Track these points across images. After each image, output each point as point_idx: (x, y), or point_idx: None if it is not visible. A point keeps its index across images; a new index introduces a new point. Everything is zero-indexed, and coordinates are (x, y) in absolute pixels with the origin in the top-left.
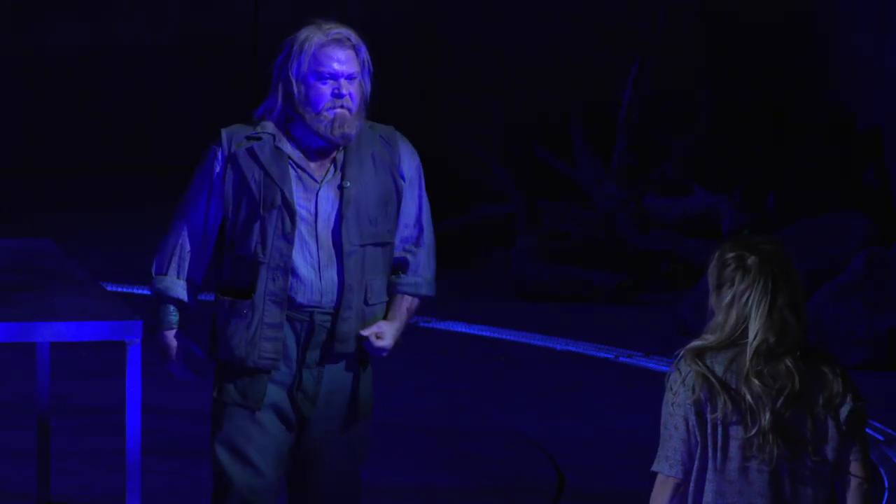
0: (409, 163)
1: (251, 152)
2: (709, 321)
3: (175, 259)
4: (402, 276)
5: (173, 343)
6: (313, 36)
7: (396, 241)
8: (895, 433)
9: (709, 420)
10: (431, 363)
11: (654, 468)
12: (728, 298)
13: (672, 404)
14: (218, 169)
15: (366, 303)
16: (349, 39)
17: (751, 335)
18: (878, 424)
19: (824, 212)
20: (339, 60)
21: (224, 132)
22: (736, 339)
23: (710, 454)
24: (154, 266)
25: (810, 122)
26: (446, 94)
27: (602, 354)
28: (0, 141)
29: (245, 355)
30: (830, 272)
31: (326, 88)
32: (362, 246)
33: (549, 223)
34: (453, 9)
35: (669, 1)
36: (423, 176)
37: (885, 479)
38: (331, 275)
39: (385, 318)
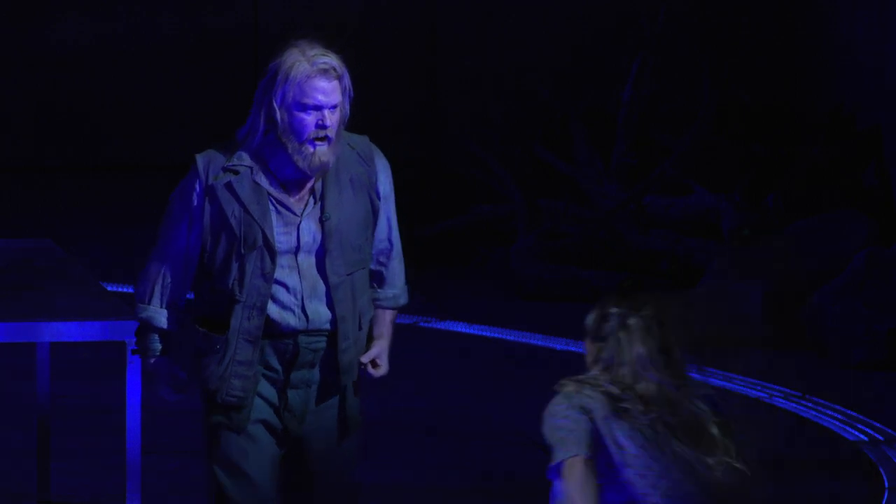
0: (385, 179)
1: (229, 187)
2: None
3: (157, 287)
4: (379, 290)
5: (159, 370)
6: (299, 65)
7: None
8: (895, 433)
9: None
10: (431, 363)
11: (558, 458)
12: (608, 352)
13: (559, 416)
14: (196, 201)
15: (359, 327)
16: (335, 70)
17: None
18: (878, 424)
19: (824, 212)
20: (325, 92)
21: (200, 161)
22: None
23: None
24: (137, 294)
25: (810, 121)
26: (447, 93)
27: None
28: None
29: (215, 389)
30: (830, 272)
31: (310, 119)
32: (349, 274)
33: (549, 223)
34: (454, 8)
35: (670, 0)
36: (393, 187)
37: (886, 479)
38: (316, 305)
39: (372, 335)
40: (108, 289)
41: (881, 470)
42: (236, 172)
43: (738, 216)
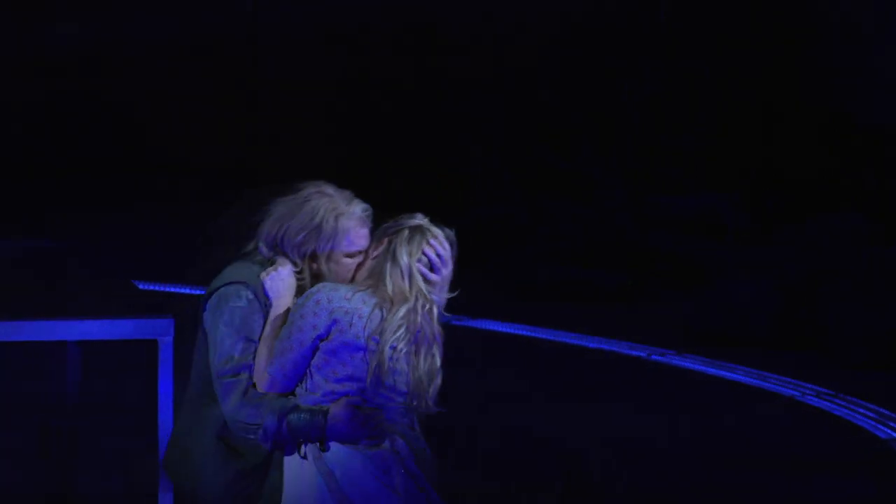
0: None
1: None
2: None
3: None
4: None
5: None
6: (341, 215)
7: None
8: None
9: None
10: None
11: None
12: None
13: None
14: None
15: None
16: (370, 216)
17: None
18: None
19: (825, 212)
20: (366, 237)
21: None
22: None
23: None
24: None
25: (810, 121)
26: (447, 93)
27: (634, 353)
28: (3, 139)
29: None
30: (831, 272)
31: (353, 263)
32: None
33: (550, 223)
34: (454, 7)
35: (671, 1)
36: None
37: None
38: None
39: None
40: (140, 287)
41: None
42: None
43: (739, 216)
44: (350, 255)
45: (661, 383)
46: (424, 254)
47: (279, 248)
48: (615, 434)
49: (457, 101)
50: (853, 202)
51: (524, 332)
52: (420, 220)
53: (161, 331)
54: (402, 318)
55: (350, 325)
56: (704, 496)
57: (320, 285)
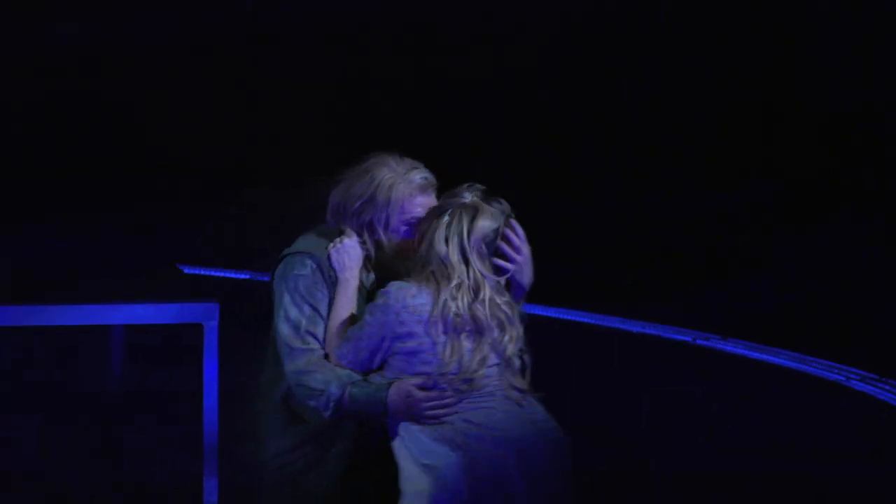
0: None
1: None
2: None
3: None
4: None
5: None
6: (397, 183)
7: None
8: None
9: None
10: None
11: None
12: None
13: None
14: None
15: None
16: (433, 184)
17: None
18: None
19: (826, 212)
20: (423, 206)
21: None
22: None
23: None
24: (322, 405)
25: (810, 120)
26: (447, 93)
27: (679, 337)
28: (3, 139)
29: None
30: (831, 272)
31: (412, 233)
32: None
33: (550, 223)
34: (454, 7)
35: (671, 1)
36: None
37: None
38: None
39: None
40: (185, 271)
41: None
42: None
43: (739, 215)
44: (408, 225)
45: (704, 367)
46: (470, 233)
47: (341, 219)
48: (656, 419)
49: (457, 101)
50: (855, 202)
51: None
52: (469, 195)
53: (206, 315)
54: (442, 304)
55: (418, 323)
56: (747, 482)
57: (391, 285)
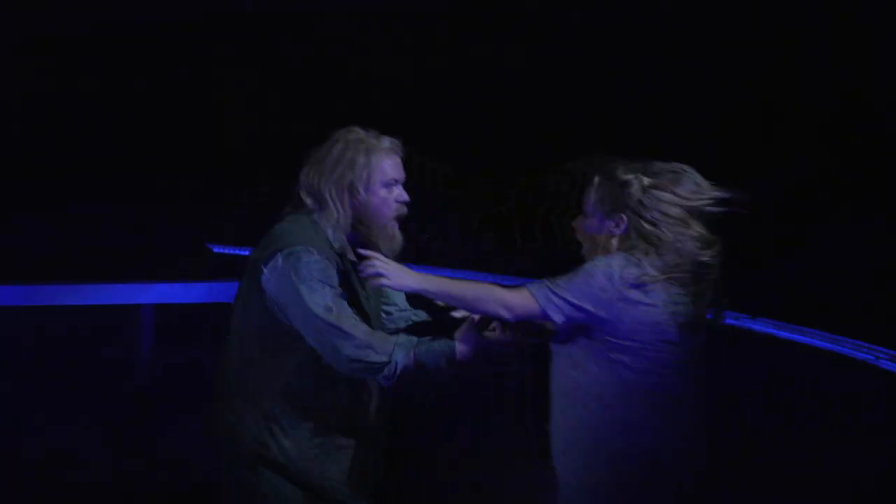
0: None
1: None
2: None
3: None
4: None
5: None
6: (372, 146)
7: None
8: None
9: None
10: None
11: None
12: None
13: None
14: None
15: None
16: (396, 144)
17: None
18: None
19: (827, 212)
20: (399, 167)
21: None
22: None
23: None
24: (378, 360)
25: (810, 120)
26: (446, 93)
27: (707, 316)
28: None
29: None
30: (833, 272)
31: (392, 196)
32: None
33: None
34: (454, 7)
35: (671, 1)
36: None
37: None
38: None
39: None
40: (215, 250)
41: None
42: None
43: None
44: (385, 186)
45: (731, 346)
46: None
47: (319, 191)
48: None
49: (457, 100)
50: (857, 202)
51: None
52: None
53: (234, 293)
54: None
55: (638, 301)
56: (774, 459)
57: (613, 256)
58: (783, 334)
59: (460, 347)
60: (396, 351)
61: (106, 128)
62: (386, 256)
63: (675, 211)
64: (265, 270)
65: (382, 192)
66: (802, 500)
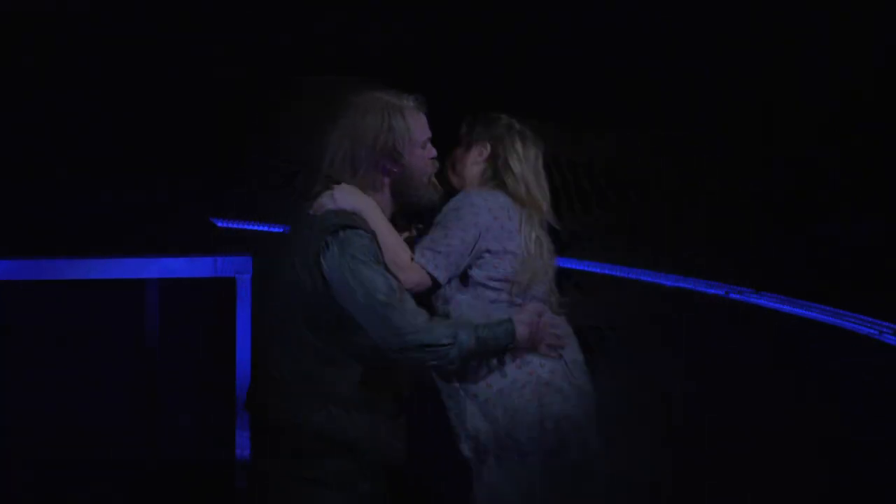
0: None
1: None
2: None
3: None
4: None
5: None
6: (403, 107)
7: None
8: None
9: None
10: None
11: None
12: None
13: None
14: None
15: None
16: (421, 100)
17: None
18: None
19: (828, 211)
20: (427, 123)
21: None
22: None
23: None
24: (442, 341)
25: (810, 120)
26: (446, 92)
27: (712, 290)
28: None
29: None
30: (834, 272)
31: (426, 154)
32: None
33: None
34: (454, 7)
35: (671, 1)
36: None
37: None
38: None
39: None
40: (219, 224)
41: None
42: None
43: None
44: (423, 145)
45: (736, 321)
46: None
47: (354, 159)
48: (690, 374)
49: (457, 100)
50: (860, 201)
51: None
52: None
53: (240, 268)
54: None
55: (501, 228)
56: (782, 431)
57: (468, 190)
58: (788, 308)
59: (520, 329)
60: (460, 333)
61: (106, 128)
62: (427, 207)
63: None
64: (327, 254)
65: (419, 152)
66: (808, 469)
